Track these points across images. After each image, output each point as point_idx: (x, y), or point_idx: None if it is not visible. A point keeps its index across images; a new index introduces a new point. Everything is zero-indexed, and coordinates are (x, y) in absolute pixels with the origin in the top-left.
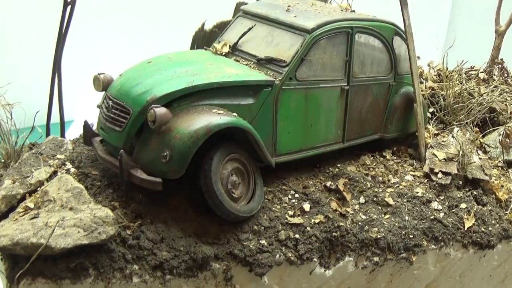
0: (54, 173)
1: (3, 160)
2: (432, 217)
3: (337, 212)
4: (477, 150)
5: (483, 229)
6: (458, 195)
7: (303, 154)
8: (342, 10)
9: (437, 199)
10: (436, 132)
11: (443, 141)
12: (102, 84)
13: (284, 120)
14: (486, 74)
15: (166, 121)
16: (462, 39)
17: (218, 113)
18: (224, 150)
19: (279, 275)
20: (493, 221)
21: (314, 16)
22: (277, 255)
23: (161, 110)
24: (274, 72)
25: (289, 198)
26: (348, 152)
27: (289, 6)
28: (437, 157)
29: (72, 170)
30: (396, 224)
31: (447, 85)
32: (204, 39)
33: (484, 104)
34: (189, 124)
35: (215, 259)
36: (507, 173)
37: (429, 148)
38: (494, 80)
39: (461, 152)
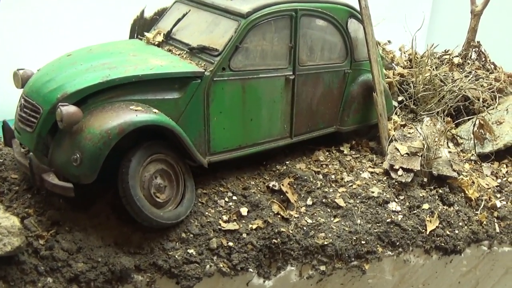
0: None
1: None
2: (388, 220)
3: (279, 216)
4: (447, 143)
5: (448, 233)
6: (421, 195)
7: (242, 151)
8: None
9: (396, 199)
10: (402, 123)
11: (409, 133)
12: (21, 80)
13: (218, 115)
14: (461, 58)
15: (75, 121)
16: (445, 21)
17: (135, 110)
18: (146, 150)
19: (213, 285)
20: (460, 223)
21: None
22: (207, 266)
23: (69, 109)
24: (206, 62)
25: (225, 201)
26: (301, 147)
27: None
28: (399, 151)
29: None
30: (347, 229)
31: (417, 71)
32: (144, 27)
33: (456, 92)
34: (101, 123)
35: (136, 271)
36: (480, 168)
37: (392, 142)
38: (469, 64)
39: (426, 146)
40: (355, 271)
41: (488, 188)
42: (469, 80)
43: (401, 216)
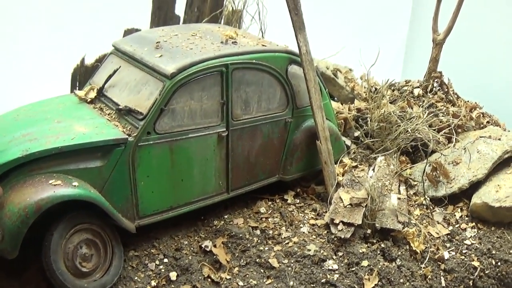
0: None
1: None
2: (323, 280)
3: (209, 279)
4: (399, 186)
5: None
6: (361, 251)
7: (175, 212)
8: (222, 42)
9: (334, 257)
10: (354, 164)
11: (359, 176)
12: None
13: (146, 179)
14: (422, 90)
15: None
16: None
17: (54, 185)
18: (69, 222)
19: None
20: (401, 280)
21: (181, 55)
22: None
23: None
24: (132, 125)
25: (156, 264)
26: (244, 196)
27: (158, 43)
28: (342, 201)
29: None
30: None
31: (372, 106)
32: (86, 75)
33: (409, 132)
34: (20, 200)
35: None
36: (432, 214)
37: (339, 189)
38: (428, 97)
39: (369, 197)
40: None
41: (438, 237)
42: (424, 118)
43: (338, 275)
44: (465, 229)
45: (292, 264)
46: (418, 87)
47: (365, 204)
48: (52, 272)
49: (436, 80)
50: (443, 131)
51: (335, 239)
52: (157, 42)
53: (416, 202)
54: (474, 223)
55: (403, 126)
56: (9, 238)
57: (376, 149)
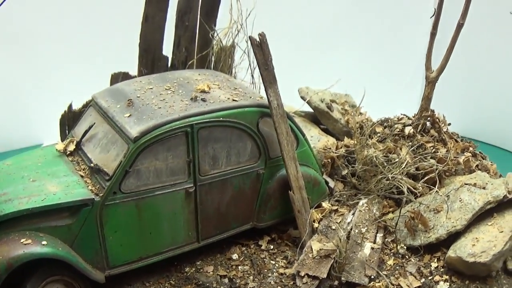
0: None
1: None
2: None
3: None
4: (376, 233)
5: None
6: None
7: (144, 262)
8: (191, 98)
9: None
10: (334, 208)
11: (337, 222)
12: None
13: (114, 234)
14: (413, 128)
15: None
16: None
17: (25, 244)
18: (41, 275)
19: None
20: None
21: (147, 115)
22: None
23: None
24: (100, 185)
25: None
26: (220, 241)
27: (130, 100)
28: (312, 252)
29: None
30: None
31: (357, 148)
32: (74, 121)
33: (388, 180)
34: None
35: None
36: (405, 264)
37: (313, 236)
38: (417, 138)
39: (337, 250)
40: None
41: None
42: (404, 165)
43: None
44: (437, 282)
45: None
46: (410, 125)
47: (334, 256)
48: None
49: (428, 119)
50: (426, 178)
51: None
52: (128, 100)
53: (392, 251)
54: (448, 276)
55: (384, 172)
56: None
57: (362, 190)
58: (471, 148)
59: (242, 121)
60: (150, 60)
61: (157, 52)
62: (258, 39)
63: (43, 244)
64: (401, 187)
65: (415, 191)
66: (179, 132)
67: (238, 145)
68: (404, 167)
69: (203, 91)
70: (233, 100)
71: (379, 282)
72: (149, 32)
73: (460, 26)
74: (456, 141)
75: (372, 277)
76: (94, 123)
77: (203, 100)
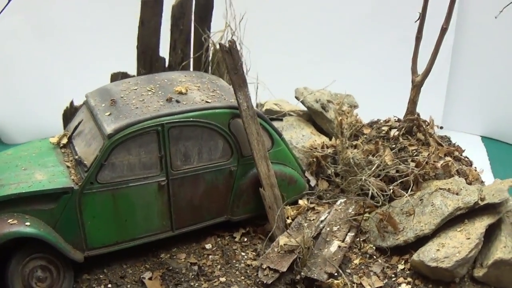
0: None
1: None
2: None
3: None
4: (348, 232)
5: None
6: None
7: (121, 246)
8: (167, 100)
9: None
10: (312, 206)
11: (310, 220)
12: None
13: (92, 219)
14: (398, 131)
15: None
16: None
17: (11, 224)
18: (25, 251)
19: None
20: None
21: (124, 115)
22: None
23: None
24: (80, 175)
25: None
26: (199, 231)
27: (113, 100)
28: (278, 246)
29: None
30: None
31: (339, 148)
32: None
33: (360, 181)
34: None
35: None
36: (372, 264)
37: (285, 232)
38: (400, 141)
39: (303, 246)
40: None
41: None
42: (374, 169)
43: None
44: (400, 284)
45: None
46: (396, 127)
47: (297, 251)
48: None
49: (414, 122)
50: (401, 181)
51: (259, 282)
52: (111, 99)
53: (361, 250)
54: (412, 279)
55: (358, 173)
56: None
57: (344, 190)
58: (456, 153)
59: (213, 122)
60: (148, 61)
61: (154, 54)
62: (227, 46)
63: (27, 225)
64: (371, 189)
65: (383, 193)
66: (150, 130)
67: (209, 144)
68: (375, 169)
69: (180, 93)
70: (206, 102)
71: (338, 279)
72: (146, 35)
73: (444, 30)
74: (441, 145)
75: (335, 274)
76: (83, 120)
77: (177, 101)
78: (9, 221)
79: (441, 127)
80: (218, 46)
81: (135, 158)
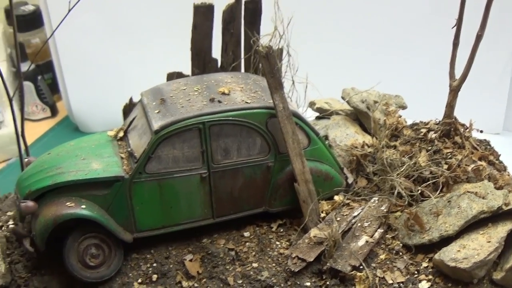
0: (0, 227)
1: None
2: None
3: (179, 285)
4: (378, 228)
5: None
6: (307, 284)
7: (166, 230)
8: (210, 100)
9: (282, 285)
10: (347, 202)
11: (344, 214)
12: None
13: (140, 205)
14: (435, 133)
15: (30, 212)
16: None
17: (68, 206)
18: (79, 231)
19: None
20: None
21: (170, 113)
22: None
23: (27, 204)
24: (131, 166)
25: (147, 267)
26: (240, 220)
27: (162, 99)
28: (309, 238)
29: (11, 227)
30: None
31: (377, 147)
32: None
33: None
34: (46, 214)
35: None
36: (396, 261)
37: (318, 225)
38: (436, 144)
39: (330, 239)
40: None
41: (391, 284)
42: (404, 168)
43: None
44: (420, 281)
45: (244, 285)
46: (433, 130)
47: (325, 243)
48: (67, 263)
49: (450, 126)
50: (430, 182)
51: (288, 270)
52: (161, 98)
53: (389, 247)
54: (433, 276)
55: (390, 173)
56: (38, 238)
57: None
58: (491, 157)
59: (251, 121)
60: (202, 62)
61: (207, 56)
62: (264, 51)
63: (82, 208)
64: (397, 188)
65: (410, 193)
66: (192, 127)
67: (248, 141)
68: (404, 170)
69: (223, 93)
70: (246, 102)
71: (361, 272)
72: (199, 39)
73: (479, 37)
74: (476, 149)
75: (359, 267)
76: (137, 116)
77: (219, 101)
78: (67, 203)
79: (481, 131)
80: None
81: (179, 152)
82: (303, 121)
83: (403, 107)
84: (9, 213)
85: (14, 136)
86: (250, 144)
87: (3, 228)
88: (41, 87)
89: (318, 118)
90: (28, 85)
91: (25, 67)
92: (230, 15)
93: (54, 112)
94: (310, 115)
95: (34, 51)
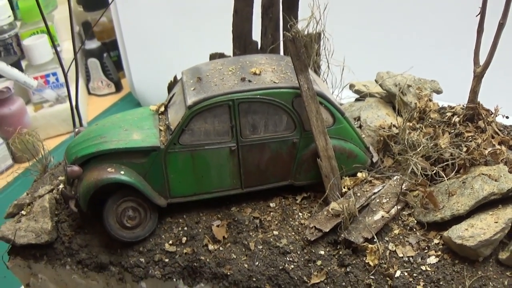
0: (51, 190)
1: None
2: (281, 267)
3: (206, 247)
4: (395, 205)
5: None
6: (321, 252)
7: (198, 197)
8: (241, 79)
9: (299, 252)
10: (369, 179)
11: (365, 190)
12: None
13: (174, 174)
14: (459, 117)
15: (75, 176)
16: None
17: (109, 172)
18: (119, 195)
19: (155, 283)
20: (344, 283)
21: (204, 90)
22: (150, 271)
23: (72, 168)
24: (167, 137)
25: (178, 230)
26: (267, 191)
27: (199, 77)
28: (327, 210)
29: (60, 189)
30: (246, 266)
31: (401, 128)
32: None
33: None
34: (88, 178)
35: (111, 264)
36: (408, 236)
37: (328, 198)
38: (457, 127)
39: (346, 211)
40: None
41: (401, 257)
42: (419, 149)
43: (293, 266)
44: (429, 256)
45: (264, 250)
46: (458, 114)
47: (342, 216)
48: (106, 223)
49: (474, 111)
50: (446, 163)
51: (305, 239)
52: (198, 77)
53: (404, 223)
54: (442, 253)
55: (409, 153)
56: (81, 199)
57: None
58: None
59: (277, 99)
60: (243, 45)
61: (248, 38)
62: (291, 35)
63: (121, 173)
64: (412, 167)
65: (425, 173)
66: (223, 104)
67: (274, 118)
68: (420, 150)
69: (255, 74)
70: (274, 82)
71: (373, 244)
72: (239, 23)
73: (501, 25)
74: (498, 133)
75: (373, 240)
76: (176, 92)
77: (249, 81)
78: (108, 169)
79: (507, 117)
80: (306, 32)
81: (210, 126)
82: (328, 101)
83: (438, 92)
84: (60, 178)
85: (80, 109)
86: (276, 121)
87: (54, 191)
88: (107, 64)
89: (357, 100)
90: (94, 62)
91: (92, 45)
92: (269, 0)
93: (118, 88)
94: (345, 97)
95: (101, 29)
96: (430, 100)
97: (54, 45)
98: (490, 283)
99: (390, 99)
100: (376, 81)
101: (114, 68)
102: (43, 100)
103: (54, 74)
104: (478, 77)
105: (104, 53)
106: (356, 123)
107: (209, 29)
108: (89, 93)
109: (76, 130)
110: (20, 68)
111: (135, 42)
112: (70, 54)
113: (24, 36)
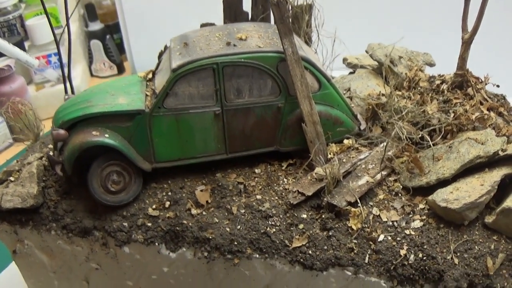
0: (40, 158)
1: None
2: (263, 230)
3: (188, 211)
4: (381, 170)
5: (310, 252)
6: (303, 216)
7: (182, 162)
8: (227, 43)
9: (281, 216)
10: (356, 146)
11: (350, 157)
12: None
13: (159, 138)
14: (447, 85)
15: (61, 139)
16: None
17: (94, 135)
18: (104, 158)
19: (138, 248)
20: (325, 247)
21: (189, 54)
22: (132, 235)
23: (58, 131)
24: (153, 101)
25: (162, 195)
26: (253, 158)
27: (185, 43)
28: (311, 175)
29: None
30: (228, 230)
31: (388, 96)
32: None
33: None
34: (74, 141)
35: (95, 229)
36: (394, 201)
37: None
38: (445, 94)
39: (329, 176)
40: (229, 263)
41: (385, 222)
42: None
43: (275, 229)
44: (414, 220)
45: (246, 214)
46: (447, 81)
47: (326, 180)
48: (90, 187)
49: (463, 78)
50: (432, 128)
51: (288, 203)
52: (184, 43)
53: (390, 188)
54: (427, 217)
55: (394, 118)
56: (66, 162)
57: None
58: (501, 109)
59: (262, 63)
60: (233, 15)
61: (238, 9)
62: (275, 0)
63: (106, 136)
64: (396, 130)
65: (410, 137)
66: (207, 67)
67: (259, 82)
68: (405, 115)
69: (240, 39)
70: (259, 47)
71: (356, 208)
72: None
73: None
74: (486, 100)
75: (356, 204)
76: (163, 58)
77: (234, 45)
78: (93, 132)
79: (498, 86)
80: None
81: (195, 89)
82: (314, 66)
83: (431, 65)
84: (50, 146)
85: (81, 89)
86: (261, 85)
87: (43, 158)
88: (109, 46)
89: (350, 73)
90: (96, 43)
91: (95, 26)
92: None
93: (120, 70)
94: (335, 68)
95: (105, 12)
96: (421, 71)
97: (51, 26)
98: (476, 246)
99: (381, 71)
100: (366, 51)
101: (116, 50)
102: (45, 80)
103: (56, 54)
104: (466, 44)
105: (107, 35)
106: (345, 92)
107: (212, 14)
108: (92, 74)
109: (66, 97)
110: (23, 48)
111: (137, 25)
112: (72, 35)
113: (28, 17)
